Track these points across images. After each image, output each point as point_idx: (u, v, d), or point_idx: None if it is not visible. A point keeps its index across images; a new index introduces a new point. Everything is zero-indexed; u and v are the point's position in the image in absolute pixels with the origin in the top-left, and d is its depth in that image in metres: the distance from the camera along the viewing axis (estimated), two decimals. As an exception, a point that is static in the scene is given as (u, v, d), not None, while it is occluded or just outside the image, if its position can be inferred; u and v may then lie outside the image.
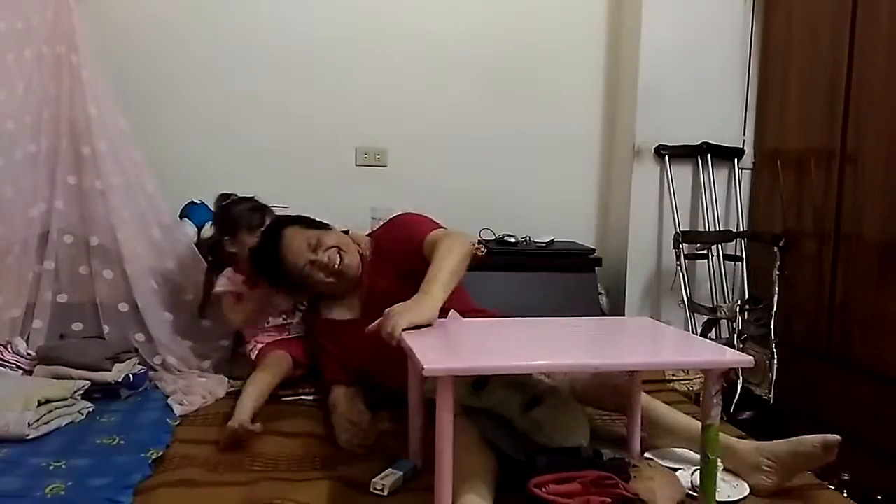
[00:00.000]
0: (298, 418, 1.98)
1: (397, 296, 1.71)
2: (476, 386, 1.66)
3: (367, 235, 2.27)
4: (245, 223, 2.30)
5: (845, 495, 1.65)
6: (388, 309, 1.62)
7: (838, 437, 1.57)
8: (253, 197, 2.39)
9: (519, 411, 1.64)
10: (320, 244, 2.07)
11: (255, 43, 2.93)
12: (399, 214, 2.19)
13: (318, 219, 2.24)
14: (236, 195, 2.39)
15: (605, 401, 1.87)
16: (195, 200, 2.80)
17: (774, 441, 1.64)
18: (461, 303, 1.99)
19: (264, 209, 2.37)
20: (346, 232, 2.23)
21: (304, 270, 2.07)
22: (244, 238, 2.29)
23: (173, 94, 2.88)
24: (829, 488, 1.64)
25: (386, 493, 1.52)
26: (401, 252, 2.02)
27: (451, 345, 1.62)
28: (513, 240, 2.98)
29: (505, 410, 1.64)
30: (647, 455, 1.71)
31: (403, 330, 1.54)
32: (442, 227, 1.99)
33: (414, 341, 1.48)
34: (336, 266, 2.06)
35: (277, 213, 2.36)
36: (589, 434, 1.67)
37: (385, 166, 3.06)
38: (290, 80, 2.96)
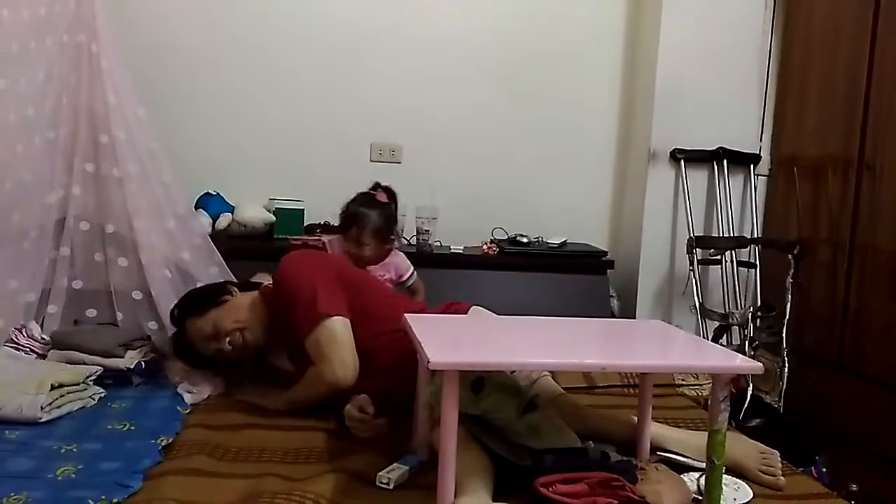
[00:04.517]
0: (305, 411, 1.98)
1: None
2: (475, 389, 1.65)
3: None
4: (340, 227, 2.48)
5: (852, 505, 1.64)
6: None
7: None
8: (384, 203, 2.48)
9: (516, 415, 1.63)
10: (218, 332, 2.03)
11: (272, 37, 2.94)
12: (284, 266, 2.04)
13: (212, 282, 2.28)
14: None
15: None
16: (210, 192, 2.82)
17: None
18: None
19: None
20: (251, 286, 2.19)
21: (217, 357, 2.08)
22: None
23: (191, 86, 2.90)
24: (837, 499, 1.63)
25: (391, 487, 1.53)
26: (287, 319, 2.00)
27: (458, 340, 1.63)
28: (525, 240, 2.98)
29: (500, 414, 1.62)
30: (659, 453, 1.71)
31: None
32: (318, 318, 1.90)
33: (422, 335, 1.48)
34: (240, 347, 2.04)
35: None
36: (578, 440, 1.67)
37: (399, 163, 3.06)
38: (307, 74, 2.98)
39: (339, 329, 1.91)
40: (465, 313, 2.07)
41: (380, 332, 1.97)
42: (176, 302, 2.19)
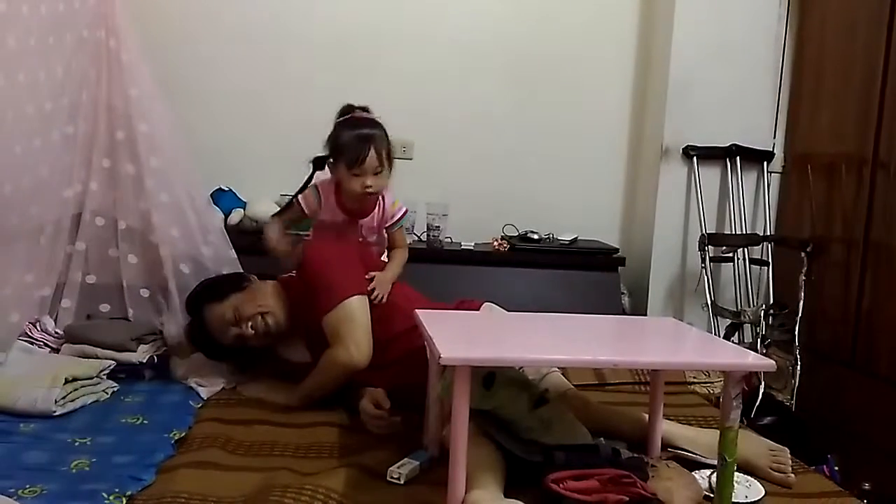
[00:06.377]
0: (316, 406, 1.99)
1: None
2: (486, 384, 1.66)
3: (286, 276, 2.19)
4: (345, 158, 2.12)
5: (865, 504, 1.64)
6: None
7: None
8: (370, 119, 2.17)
9: (527, 409, 1.63)
10: (240, 316, 2.02)
11: (284, 32, 2.95)
12: (311, 251, 2.07)
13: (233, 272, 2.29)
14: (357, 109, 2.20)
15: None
16: (223, 187, 2.83)
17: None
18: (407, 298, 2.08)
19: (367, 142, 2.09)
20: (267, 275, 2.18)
21: (236, 344, 2.06)
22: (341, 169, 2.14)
23: (203, 82, 2.91)
24: (850, 497, 1.62)
25: (402, 482, 1.54)
26: (309, 307, 2.00)
27: (469, 336, 1.64)
28: (536, 237, 2.97)
29: (511, 409, 1.62)
30: (670, 449, 1.71)
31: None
32: (338, 298, 1.93)
33: (434, 330, 1.49)
34: (262, 332, 2.03)
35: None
36: (589, 435, 1.67)
37: (411, 159, 3.06)
38: (318, 71, 2.98)
39: (356, 309, 1.93)
40: (478, 311, 2.07)
41: (393, 325, 1.98)
42: (192, 290, 2.19)
